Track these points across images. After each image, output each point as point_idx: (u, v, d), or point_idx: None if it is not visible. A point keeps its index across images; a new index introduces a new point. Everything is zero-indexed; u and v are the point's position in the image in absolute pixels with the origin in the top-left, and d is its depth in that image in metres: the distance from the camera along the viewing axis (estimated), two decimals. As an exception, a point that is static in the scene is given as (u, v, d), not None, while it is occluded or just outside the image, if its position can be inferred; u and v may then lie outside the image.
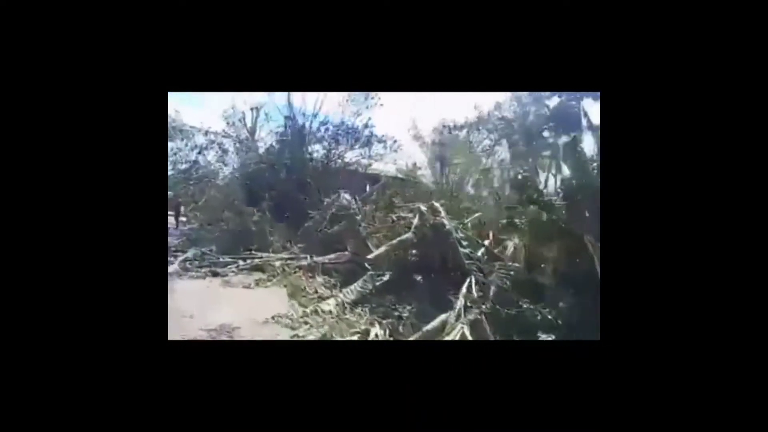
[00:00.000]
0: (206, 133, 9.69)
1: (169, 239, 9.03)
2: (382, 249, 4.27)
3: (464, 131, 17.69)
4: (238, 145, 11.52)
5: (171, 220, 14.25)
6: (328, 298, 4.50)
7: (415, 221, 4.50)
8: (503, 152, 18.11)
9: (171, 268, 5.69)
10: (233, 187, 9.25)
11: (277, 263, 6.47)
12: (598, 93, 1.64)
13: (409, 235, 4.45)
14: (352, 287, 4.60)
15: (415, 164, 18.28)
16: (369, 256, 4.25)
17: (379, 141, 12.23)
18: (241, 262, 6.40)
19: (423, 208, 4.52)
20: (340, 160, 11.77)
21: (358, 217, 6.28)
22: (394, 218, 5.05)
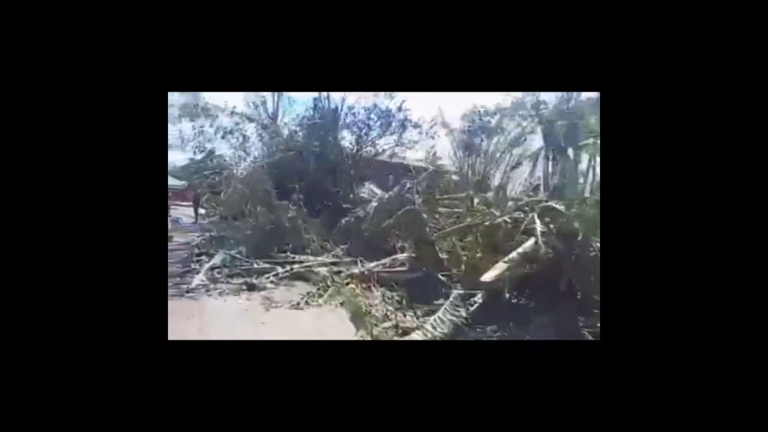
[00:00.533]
0: (231, 114, 8.38)
1: (190, 236, 7.84)
2: (502, 266, 2.95)
3: (497, 117, 16.12)
4: (261, 131, 10.14)
5: (189, 211, 13.15)
6: (412, 329, 3.21)
7: (539, 226, 3.17)
8: (537, 140, 16.56)
9: (197, 280, 4.45)
10: (258, 177, 7.95)
11: (322, 270, 5.22)
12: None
13: (531, 244, 3.12)
14: (441, 315, 3.31)
15: (435, 153, 16.82)
16: (485, 278, 2.95)
17: (415, 126, 10.78)
18: (279, 269, 5.15)
19: (559, 206, 3.17)
20: (372, 148, 10.39)
21: (425, 215, 4.94)
22: (507, 220, 3.69)
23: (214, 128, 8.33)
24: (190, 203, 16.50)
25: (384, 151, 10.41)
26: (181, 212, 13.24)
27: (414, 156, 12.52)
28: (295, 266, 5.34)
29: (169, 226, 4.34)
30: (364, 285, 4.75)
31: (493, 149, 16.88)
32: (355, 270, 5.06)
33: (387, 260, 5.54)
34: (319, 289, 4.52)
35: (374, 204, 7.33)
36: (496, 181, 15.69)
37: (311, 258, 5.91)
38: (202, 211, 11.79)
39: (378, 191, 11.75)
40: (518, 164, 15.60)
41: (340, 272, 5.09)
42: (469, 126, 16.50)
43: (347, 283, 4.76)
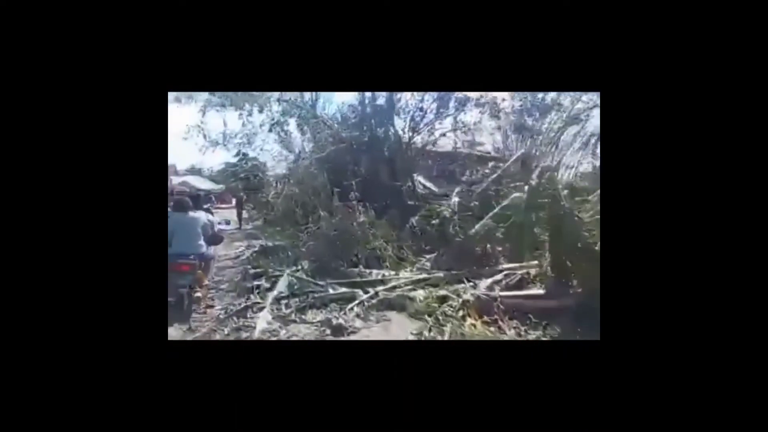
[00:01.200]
0: (278, 101, 7.04)
1: (237, 246, 6.68)
2: None
3: (553, 93, 13.91)
4: (302, 124, 8.74)
5: (230, 215, 12.17)
6: None
7: None
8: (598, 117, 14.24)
9: (262, 322, 3.12)
10: (311, 175, 6.64)
11: (419, 294, 3.76)
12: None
13: None
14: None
15: (474, 137, 14.88)
16: None
17: (477, 104, 9.04)
18: (361, 295, 3.75)
19: None
20: (427, 134, 8.79)
21: (577, 216, 3.34)
22: None
23: (261, 117, 7.05)
24: (229, 205, 15.67)
25: (445, 135, 8.77)
26: (221, 216, 12.31)
27: (451, 141, 10.74)
28: (380, 289, 3.92)
29: (216, 228, 3.87)
30: (486, 318, 3.26)
31: (547, 128, 14.73)
32: (466, 295, 3.56)
33: (499, 276, 4.02)
34: (430, 329, 3.07)
35: (456, 199, 5.81)
36: (546, 164, 13.63)
37: (391, 273, 4.50)
38: (245, 215, 10.75)
39: (428, 184, 10.21)
40: (585, 144, 13.43)
41: (445, 298, 3.61)
42: (521, 104, 14.45)
43: (462, 315, 3.30)
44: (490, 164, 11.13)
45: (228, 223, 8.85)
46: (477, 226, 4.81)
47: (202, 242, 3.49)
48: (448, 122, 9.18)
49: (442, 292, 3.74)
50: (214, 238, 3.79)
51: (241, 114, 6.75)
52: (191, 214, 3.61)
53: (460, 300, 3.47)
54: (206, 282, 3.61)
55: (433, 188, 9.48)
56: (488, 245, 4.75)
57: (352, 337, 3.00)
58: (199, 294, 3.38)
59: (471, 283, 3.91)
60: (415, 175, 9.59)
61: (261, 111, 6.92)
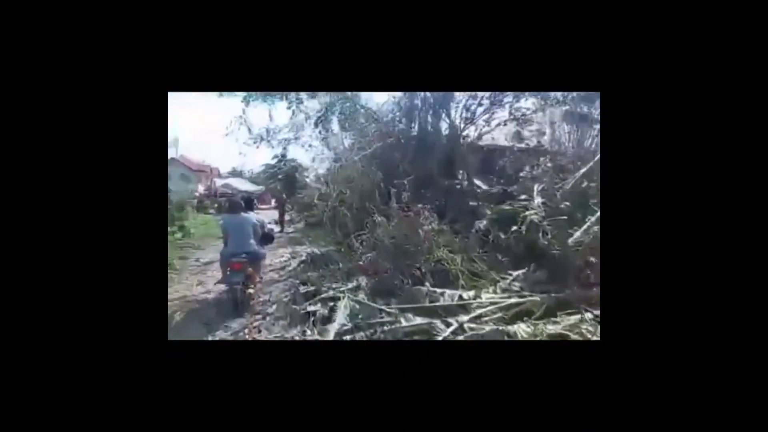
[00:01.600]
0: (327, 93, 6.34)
1: (282, 254, 6.03)
2: None
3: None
4: (343, 120, 7.96)
5: (272, 216, 11.77)
6: None
7: None
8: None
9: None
10: (362, 174, 5.84)
11: (520, 330, 2.78)
12: None
13: None
14: None
15: (518, 130, 13.40)
16: None
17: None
18: (442, 328, 2.85)
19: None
20: (486, 124, 7.68)
21: None
22: None
23: (311, 104, 6.36)
24: (269, 206, 15.38)
25: (505, 123, 7.64)
26: (263, 216, 11.97)
27: (505, 132, 9.43)
28: (464, 320, 2.99)
29: (266, 228, 4.17)
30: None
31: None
32: (595, 335, 2.54)
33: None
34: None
35: (539, 200, 4.73)
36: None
37: (469, 295, 3.54)
38: (287, 217, 10.23)
39: (477, 181, 9.07)
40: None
41: (561, 337, 2.61)
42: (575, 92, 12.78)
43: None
44: (546, 158, 9.76)
45: (277, 223, 8.33)
46: (577, 234, 3.73)
47: (252, 241, 3.75)
48: (502, 112, 8.03)
49: (553, 328, 2.73)
50: (265, 238, 4.07)
51: (290, 104, 6.08)
52: (243, 214, 3.87)
53: (576, 332, 2.46)
54: (258, 279, 3.81)
55: (483, 186, 8.36)
56: (591, 258, 3.66)
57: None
58: (251, 290, 3.53)
59: (589, 314, 2.86)
60: (460, 172, 8.55)
61: (313, 97, 6.20)
